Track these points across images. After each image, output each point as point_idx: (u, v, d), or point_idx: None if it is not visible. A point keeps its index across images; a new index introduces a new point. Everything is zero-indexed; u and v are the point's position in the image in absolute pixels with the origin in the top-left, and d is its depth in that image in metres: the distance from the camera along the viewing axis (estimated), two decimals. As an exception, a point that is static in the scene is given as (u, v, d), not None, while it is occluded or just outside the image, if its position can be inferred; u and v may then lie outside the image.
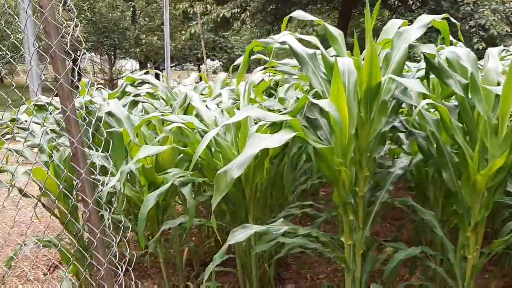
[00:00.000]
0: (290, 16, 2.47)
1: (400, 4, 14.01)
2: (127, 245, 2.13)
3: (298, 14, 2.49)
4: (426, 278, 2.82)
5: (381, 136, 2.23)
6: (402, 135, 2.85)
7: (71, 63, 2.08)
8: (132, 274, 2.06)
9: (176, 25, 20.20)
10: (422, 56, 2.21)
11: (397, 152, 3.17)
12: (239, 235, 2.01)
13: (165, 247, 3.58)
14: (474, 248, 2.08)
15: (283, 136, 1.72)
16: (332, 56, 2.29)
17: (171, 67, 23.92)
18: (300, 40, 2.27)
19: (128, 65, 25.13)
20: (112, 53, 21.09)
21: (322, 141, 2.13)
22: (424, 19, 2.26)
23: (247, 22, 13.83)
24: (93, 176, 2.02)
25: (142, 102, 3.20)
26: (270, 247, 2.35)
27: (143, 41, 19.20)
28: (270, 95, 3.78)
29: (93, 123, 1.94)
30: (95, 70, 21.40)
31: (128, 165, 2.12)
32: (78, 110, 1.96)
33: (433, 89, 2.62)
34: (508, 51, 4.51)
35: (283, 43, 2.27)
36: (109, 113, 2.63)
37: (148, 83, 3.48)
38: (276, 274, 3.27)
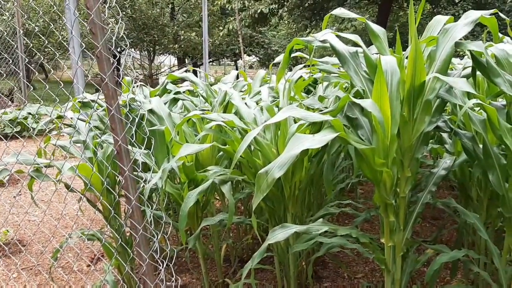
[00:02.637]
0: (334, 14, 2.44)
1: (443, -3, 13.65)
2: (167, 241, 2.18)
3: (340, 11, 2.45)
4: (468, 281, 2.75)
5: (424, 136, 2.17)
6: (444, 135, 2.78)
7: (115, 62, 2.12)
8: (172, 269, 2.10)
9: (214, 21, 20.35)
10: (468, 53, 2.14)
11: (440, 152, 3.10)
12: (278, 235, 2.01)
13: (204, 243, 3.64)
14: (522, 253, 2.01)
15: (325, 137, 1.70)
16: (373, 54, 2.26)
17: (208, 62, 24.20)
18: (339, 37, 2.25)
19: (167, 60, 25.52)
20: (152, 49, 21.46)
21: (363, 141, 2.11)
22: (472, 15, 2.18)
23: (285, 18, 13.79)
24: (135, 173, 2.06)
25: (183, 99, 3.24)
26: (308, 247, 2.35)
27: (182, 37, 19.44)
28: (307, 92, 3.76)
29: (136, 121, 1.98)
30: (135, 66, 21.85)
31: (170, 163, 2.15)
32: (121, 107, 2.00)
33: (478, 87, 2.54)
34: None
35: (324, 41, 2.26)
36: (151, 111, 2.68)
37: (189, 80, 3.52)
38: (314, 272, 3.27)
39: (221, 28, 15.70)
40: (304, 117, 1.82)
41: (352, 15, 2.48)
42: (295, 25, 14.63)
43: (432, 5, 13.89)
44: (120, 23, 2.10)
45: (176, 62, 24.72)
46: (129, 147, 2.04)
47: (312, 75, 3.57)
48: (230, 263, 3.43)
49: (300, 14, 13.18)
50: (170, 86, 3.40)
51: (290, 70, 3.59)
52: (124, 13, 18.17)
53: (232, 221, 2.35)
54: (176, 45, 19.68)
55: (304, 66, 2.89)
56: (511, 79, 2.03)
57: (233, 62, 31.05)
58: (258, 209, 2.97)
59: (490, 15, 2.21)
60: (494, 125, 1.92)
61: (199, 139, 2.54)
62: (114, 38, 1.94)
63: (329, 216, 3.02)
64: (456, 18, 2.24)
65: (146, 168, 2.60)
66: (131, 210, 1.99)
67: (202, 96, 3.35)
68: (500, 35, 4.24)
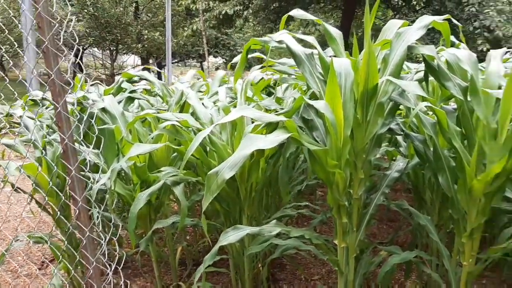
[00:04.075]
0: (291, 15, 2.43)
1: (404, 4, 13.96)
2: (117, 244, 2.11)
3: (298, 13, 2.45)
4: (422, 282, 2.79)
5: (377, 138, 2.19)
6: (400, 138, 2.82)
7: (73, 57, 2.04)
8: (121, 273, 2.03)
9: (179, 21, 20.13)
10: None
11: (395, 154, 3.14)
12: (230, 236, 1.98)
13: (159, 246, 3.56)
14: (469, 254, 2.04)
15: (277, 137, 1.68)
16: (330, 57, 2.26)
17: (173, 63, 23.91)
18: (301, 40, 2.24)
19: (130, 60, 25.08)
20: (114, 48, 21.04)
21: (318, 142, 2.10)
22: (425, 20, 2.22)
23: (250, 20, 13.79)
24: (83, 174, 1.99)
25: (138, 98, 3.16)
26: (263, 248, 2.33)
27: (145, 36, 19.15)
28: (269, 94, 3.74)
29: (84, 119, 1.90)
30: (97, 65, 21.37)
31: (119, 163, 2.08)
32: (71, 106, 1.92)
33: (433, 91, 2.59)
34: (512, 53, 4.47)
35: (280, 42, 2.24)
36: (103, 110, 2.60)
37: (145, 79, 3.45)
38: (270, 274, 3.25)
39: (186, 28, 15.54)
40: (258, 118, 1.80)
41: (309, 16, 2.48)
42: (260, 28, 14.66)
43: (394, 11, 14.22)
44: (77, 17, 2.01)
45: (139, 62, 24.34)
46: (78, 146, 1.97)
47: (272, 77, 3.56)
48: (186, 266, 3.37)
49: (265, 17, 13.21)
50: (125, 85, 3.32)
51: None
52: (86, 11, 17.76)
53: (184, 223, 2.30)
54: (140, 45, 19.38)
55: (262, 67, 2.87)
56: (461, 83, 2.07)
57: (199, 64, 30.83)
58: (214, 211, 2.93)
59: (443, 20, 2.25)
60: (443, 128, 1.95)
61: (152, 139, 2.47)
62: (62, 32, 1.86)
63: (287, 218, 3.01)
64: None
65: (97, 168, 2.51)
66: (77, 211, 1.91)
67: (159, 95, 3.28)
68: (456, 41, 4.35)
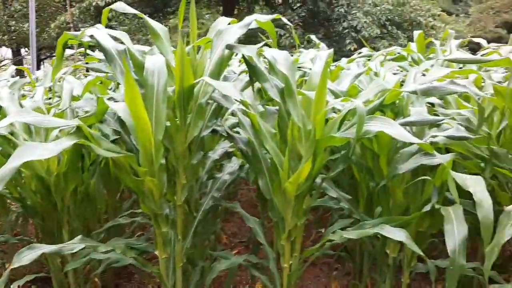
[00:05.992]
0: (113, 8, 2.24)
1: (281, 3, 14.36)
2: None
3: (120, 6, 2.27)
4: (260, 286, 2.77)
5: (200, 141, 2.10)
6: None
7: None
8: None
9: (53, 12, 18.74)
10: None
11: (238, 156, 3.09)
12: (24, 258, 1.74)
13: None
14: (289, 256, 2.03)
15: (59, 145, 1.49)
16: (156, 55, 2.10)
17: (50, 56, 22.18)
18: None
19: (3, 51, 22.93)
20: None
21: (136, 147, 1.94)
22: (248, 19, 2.16)
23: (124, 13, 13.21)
24: None
25: None
26: (82, 263, 2.12)
27: (12, 28, 17.54)
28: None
29: None
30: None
31: None
32: None
33: (265, 92, 2.55)
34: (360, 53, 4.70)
35: (91, 36, 2.04)
36: None
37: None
38: (116, 285, 3.04)
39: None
40: (39, 123, 1.58)
41: (131, 10, 2.32)
42: (136, 20, 14.09)
43: (272, 9, 14.56)
44: None
45: (10, 55, 22.34)
46: None
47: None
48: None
49: (142, 10, 12.74)
50: None
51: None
52: None
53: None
54: (6, 37, 17.70)
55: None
56: (278, 85, 2.04)
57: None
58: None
59: (270, 20, 2.21)
60: (256, 130, 1.90)
61: None
62: None
63: (122, 227, 2.81)
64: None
65: None
66: None
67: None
68: (317, 41, 4.44)
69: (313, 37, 5.08)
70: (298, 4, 13.81)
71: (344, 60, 4.52)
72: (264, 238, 2.23)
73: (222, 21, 2.28)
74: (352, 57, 4.53)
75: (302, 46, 11.35)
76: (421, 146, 1.74)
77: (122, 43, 2.02)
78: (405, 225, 2.08)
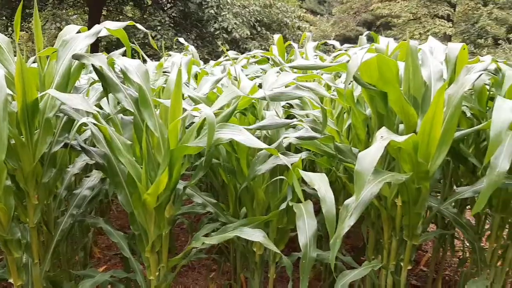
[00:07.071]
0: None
1: (151, 3, 14.06)
2: None
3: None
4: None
5: (51, 157, 1.98)
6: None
7: None
8: None
9: None
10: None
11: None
12: None
13: None
14: (155, 268, 2.00)
15: None
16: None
17: None
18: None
19: None
20: None
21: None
22: (97, 27, 2.08)
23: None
24: None
25: None
26: None
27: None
28: None
29: None
30: None
31: None
32: None
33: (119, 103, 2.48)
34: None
35: None
36: None
37: None
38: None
39: None
40: None
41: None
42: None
43: (141, 11, 14.20)
44: None
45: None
46: None
47: None
48: None
49: (-3, 12, 11.66)
50: None
51: None
52: None
53: None
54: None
55: None
56: (133, 94, 2.00)
57: None
58: None
59: (124, 26, 2.14)
60: (109, 142, 1.84)
61: None
62: None
63: None
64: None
65: None
66: None
67: None
68: (190, 46, 4.38)
69: (181, 39, 5.04)
70: (169, 5, 13.65)
71: (211, 63, 4.60)
72: (129, 251, 2.18)
73: (70, 30, 2.17)
74: (219, 60, 4.62)
75: (175, 48, 11.26)
76: (267, 150, 1.83)
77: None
78: (266, 224, 2.18)
